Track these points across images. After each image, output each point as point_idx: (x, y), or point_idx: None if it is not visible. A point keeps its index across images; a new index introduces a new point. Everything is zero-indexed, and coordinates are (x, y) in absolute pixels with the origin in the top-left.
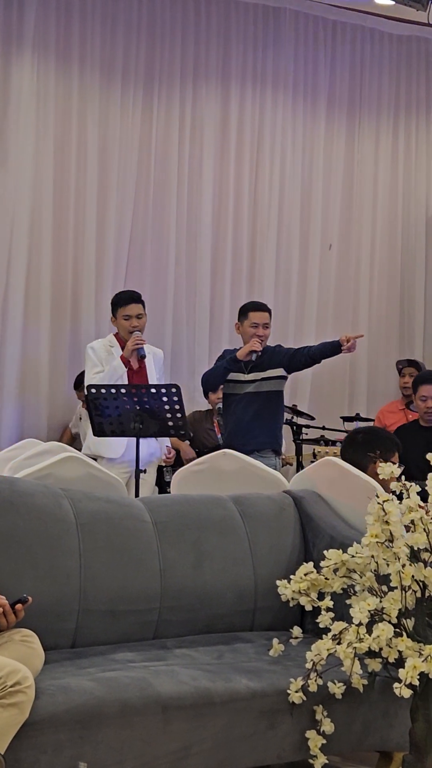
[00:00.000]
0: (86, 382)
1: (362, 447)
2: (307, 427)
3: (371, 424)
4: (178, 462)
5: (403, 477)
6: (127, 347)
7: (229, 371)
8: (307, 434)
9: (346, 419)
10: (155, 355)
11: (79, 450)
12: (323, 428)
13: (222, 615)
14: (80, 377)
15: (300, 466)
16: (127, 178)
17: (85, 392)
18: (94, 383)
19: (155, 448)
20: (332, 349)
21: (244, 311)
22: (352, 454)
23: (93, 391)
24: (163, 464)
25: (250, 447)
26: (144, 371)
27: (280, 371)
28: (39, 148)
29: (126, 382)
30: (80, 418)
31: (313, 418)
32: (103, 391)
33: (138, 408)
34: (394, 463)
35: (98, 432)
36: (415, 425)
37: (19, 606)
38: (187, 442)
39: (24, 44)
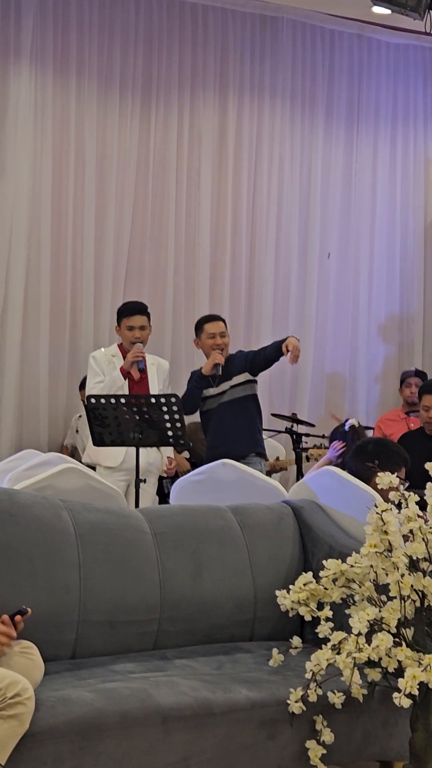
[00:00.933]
0: (87, 392)
1: (369, 458)
2: (307, 435)
3: (371, 433)
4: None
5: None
6: (127, 359)
7: (201, 389)
8: (306, 443)
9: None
10: (160, 366)
11: (79, 461)
12: (323, 436)
13: (221, 625)
14: (85, 380)
15: (300, 475)
16: (126, 189)
17: (85, 402)
18: (94, 393)
19: (154, 458)
20: (276, 351)
21: (199, 326)
22: (359, 464)
23: (93, 401)
24: (164, 475)
25: (233, 455)
26: (145, 382)
27: (246, 375)
28: (37, 159)
29: (126, 393)
30: (76, 431)
31: (312, 425)
32: (102, 401)
33: (137, 418)
34: (400, 479)
35: (98, 442)
36: (420, 433)
37: (18, 618)
38: (186, 453)
39: (21, 55)
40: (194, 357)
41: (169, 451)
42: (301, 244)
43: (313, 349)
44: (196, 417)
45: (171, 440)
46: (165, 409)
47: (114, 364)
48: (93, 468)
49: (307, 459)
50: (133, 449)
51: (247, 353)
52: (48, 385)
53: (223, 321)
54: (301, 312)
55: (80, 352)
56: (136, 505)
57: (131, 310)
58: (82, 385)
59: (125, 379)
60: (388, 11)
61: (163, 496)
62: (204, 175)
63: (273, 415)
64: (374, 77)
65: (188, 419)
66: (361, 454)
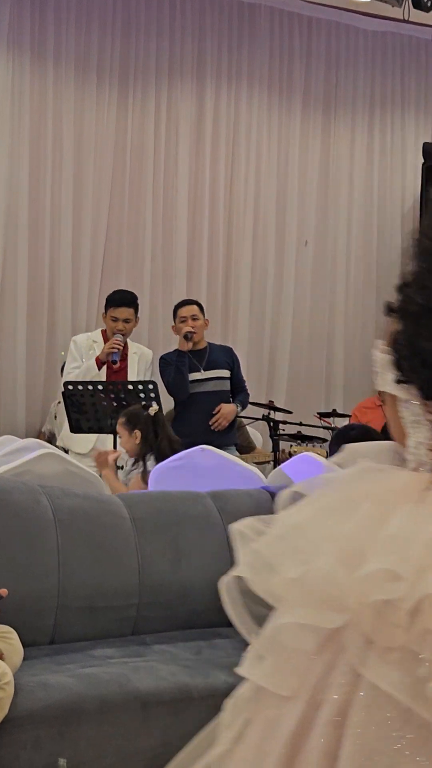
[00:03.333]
0: (64, 376)
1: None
2: (284, 422)
3: (347, 420)
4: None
5: None
6: (103, 349)
7: (185, 369)
8: (284, 430)
9: (322, 415)
10: (143, 355)
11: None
12: (300, 424)
13: (200, 611)
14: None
15: (277, 463)
16: (103, 175)
17: (62, 389)
18: (71, 378)
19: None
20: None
21: (174, 311)
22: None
23: (70, 387)
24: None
25: (218, 443)
26: (125, 371)
27: (228, 373)
28: (14, 145)
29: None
30: (54, 416)
31: (290, 413)
32: (80, 387)
33: (115, 404)
34: None
35: (75, 428)
36: None
37: None
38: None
39: None
40: (172, 344)
41: None
42: (279, 232)
43: (290, 337)
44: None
45: None
46: (142, 395)
47: (94, 350)
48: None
49: (290, 455)
50: (102, 437)
51: (234, 364)
52: (25, 372)
53: (198, 305)
54: (278, 299)
55: (58, 339)
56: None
57: (118, 301)
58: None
59: (99, 369)
60: None
61: None
62: (181, 162)
63: (250, 402)
64: (352, 64)
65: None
66: (343, 439)
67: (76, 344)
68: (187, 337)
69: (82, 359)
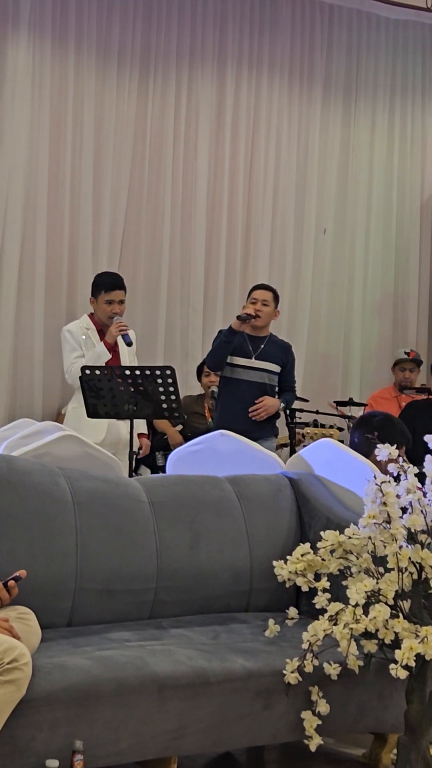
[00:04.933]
0: (65, 366)
1: (372, 430)
2: (301, 411)
3: (364, 409)
4: (164, 446)
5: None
6: (110, 332)
7: (230, 344)
8: (300, 418)
9: (339, 404)
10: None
11: None
12: (317, 412)
13: (218, 596)
14: None
15: (293, 450)
16: (123, 160)
17: (79, 374)
18: (66, 368)
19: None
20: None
21: (250, 293)
22: (361, 435)
23: (87, 372)
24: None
25: (256, 435)
26: (117, 355)
27: (278, 369)
28: (34, 129)
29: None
30: None
31: (306, 401)
32: (97, 372)
33: (132, 390)
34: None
35: (92, 413)
36: (427, 403)
37: (12, 583)
38: (179, 427)
39: (20, 24)
40: (189, 330)
41: (141, 427)
42: (297, 219)
43: (308, 326)
44: (191, 390)
45: (165, 413)
46: (160, 381)
47: (90, 338)
48: None
49: (303, 437)
50: (114, 424)
51: (288, 362)
52: (43, 356)
53: (274, 292)
54: (296, 287)
55: None
56: (129, 475)
57: (111, 284)
58: None
59: (111, 354)
60: None
61: (154, 469)
62: (201, 148)
63: None
64: (373, 53)
65: (183, 392)
66: (365, 426)
67: (72, 333)
68: (241, 317)
69: (81, 347)
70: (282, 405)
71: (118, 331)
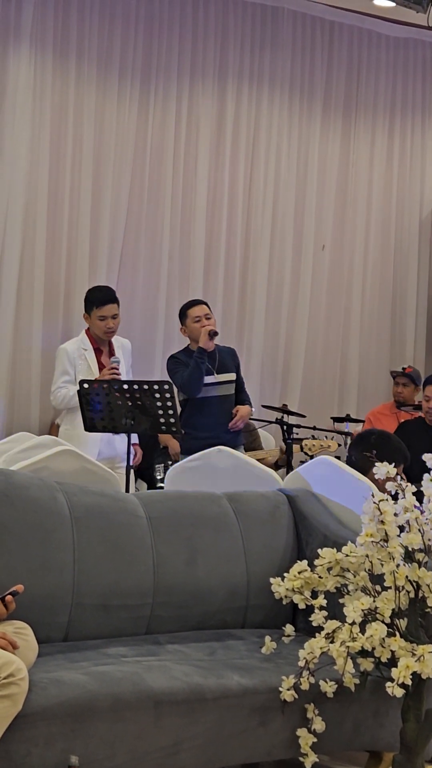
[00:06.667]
0: (53, 386)
1: (370, 448)
2: (298, 426)
3: (361, 426)
4: (163, 459)
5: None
6: (102, 374)
7: (204, 365)
8: (297, 434)
9: (336, 420)
10: (123, 346)
11: None
12: (314, 428)
13: (214, 612)
14: None
15: (290, 467)
16: (122, 174)
17: (77, 387)
18: (53, 390)
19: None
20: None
21: (183, 312)
22: (358, 453)
23: (85, 386)
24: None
25: (235, 444)
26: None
27: (234, 377)
28: (35, 142)
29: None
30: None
31: (303, 416)
32: (95, 386)
33: (130, 404)
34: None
35: (89, 427)
36: (421, 422)
37: (9, 597)
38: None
39: (21, 37)
40: (186, 344)
41: (134, 438)
42: (296, 235)
43: (305, 340)
44: None
45: (163, 427)
46: (158, 395)
47: (86, 360)
48: None
49: (301, 449)
50: (107, 439)
51: (238, 366)
52: (40, 369)
53: (206, 304)
54: (294, 302)
55: (73, 336)
56: (126, 490)
57: (102, 299)
58: None
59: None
60: (392, 3)
61: (153, 482)
62: (201, 163)
63: (264, 406)
64: (373, 70)
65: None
66: (363, 444)
67: (68, 353)
68: (211, 334)
69: (75, 368)
70: (252, 409)
71: (109, 377)
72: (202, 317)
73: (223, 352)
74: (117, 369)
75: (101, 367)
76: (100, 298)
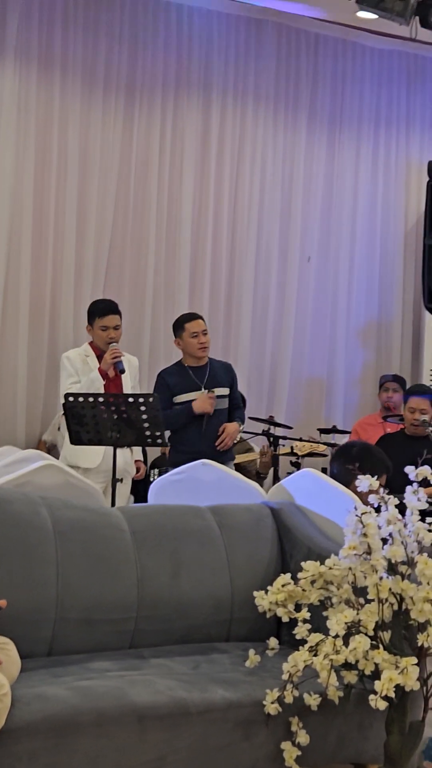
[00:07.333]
0: (61, 391)
1: (352, 461)
2: (284, 438)
3: (348, 437)
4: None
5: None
6: (105, 360)
7: (183, 421)
8: (283, 445)
9: (322, 431)
10: (130, 363)
11: (58, 458)
12: (300, 440)
13: (198, 625)
14: None
15: (276, 479)
16: (108, 187)
17: (62, 400)
18: (72, 392)
19: (130, 458)
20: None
21: (179, 325)
22: (341, 466)
23: (71, 399)
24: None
25: (223, 459)
26: (119, 380)
27: (227, 391)
28: (19, 155)
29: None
30: (58, 428)
31: (290, 428)
32: (80, 399)
33: (115, 417)
34: (380, 485)
35: (75, 440)
36: (400, 435)
37: None
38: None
39: (6, 51)
40: (172, 357)
41: (137, 454)
42: (282, 247)
43: (291, 352)
44: None
45: (149, 440)
46: (143, 408)
47: (89, 364)
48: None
49: (291, 450)
50: (110, 450)
51: (233, 381)
52: (26, 383)
53: (203, 319)
54: (280, 315)
55: (59, 350)
56: (113, 504)
57: (104, 310)
58: None
59: (104, 380)
60: (375, 16)
61: (137, 497)
62: (186, 177)
63: (250, 417)
64: (358, 82)
65: None
66: (344, 456)
67: (70, 360)
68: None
69: (77, 374)
70: (241, 426)
71: (111, 359)
72: (199, 333)
73: (217, 367)
74: (118, 352)
75: (103, 375)
76: (102, 308)
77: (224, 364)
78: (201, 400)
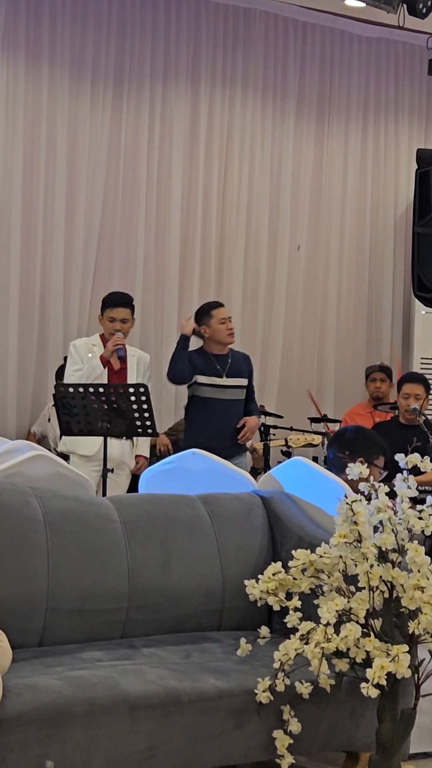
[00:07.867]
0: (65, 379)
1: (347, 445)
2: (275, 427)
3: (338, 425)
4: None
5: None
6: (107, 347)
7: (182, 353)
8: (275, 435)
9: (313, 420)
10: (141, 359)
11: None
12: (291, 429)
13: (190, 615)
14: (61, 369)
15: (267, 467)
16: (97, 178)
17: (53, 390)
18: (71, 381)
19: (127, 448)
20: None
21: (206, 312)
22: (336, 450)
23: (61, 389)
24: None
25: (231, 452)
26: (124, 373)
27: (246, 382)
28: (8, 147)
29: (104, 382)
30: (48, 419)
31: (281, 417)
32: (71, 390)
33: (106, 407)
34: (377, 467)
35: (66, 431)
36: (395, 423)
37: None
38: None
39: None
40: (163, 347)
41: (141, 449)
42: (271, 236)
43: (282, 342)
44: (165, 405)
45: (139, 430)
46: (133, 398)
47: (94, 353)
48: (67, 457)
49: (286, 442)
50: (109, 439)
51: (251, 373)
52: (16, 374)
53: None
54: (270, 304)
55: (49, 341)
56: (103, 494)
57: (115, 301)
58: (59, 374)
59: (105, 367)
60: (362, 4)
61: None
62: (175, 166)
63: None
64: (345, 70)
65: (156, 408)
66: (339, 441)
67: (76, 348)
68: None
69: (82, 362)
70: (260, 420)
71: (112, 346)
72: (227, 319)
73: (237, 357)
74: (120, 340)
75: (105, 363)
76: (112, 299)
77: (244, 355)
78: (182, 325)
